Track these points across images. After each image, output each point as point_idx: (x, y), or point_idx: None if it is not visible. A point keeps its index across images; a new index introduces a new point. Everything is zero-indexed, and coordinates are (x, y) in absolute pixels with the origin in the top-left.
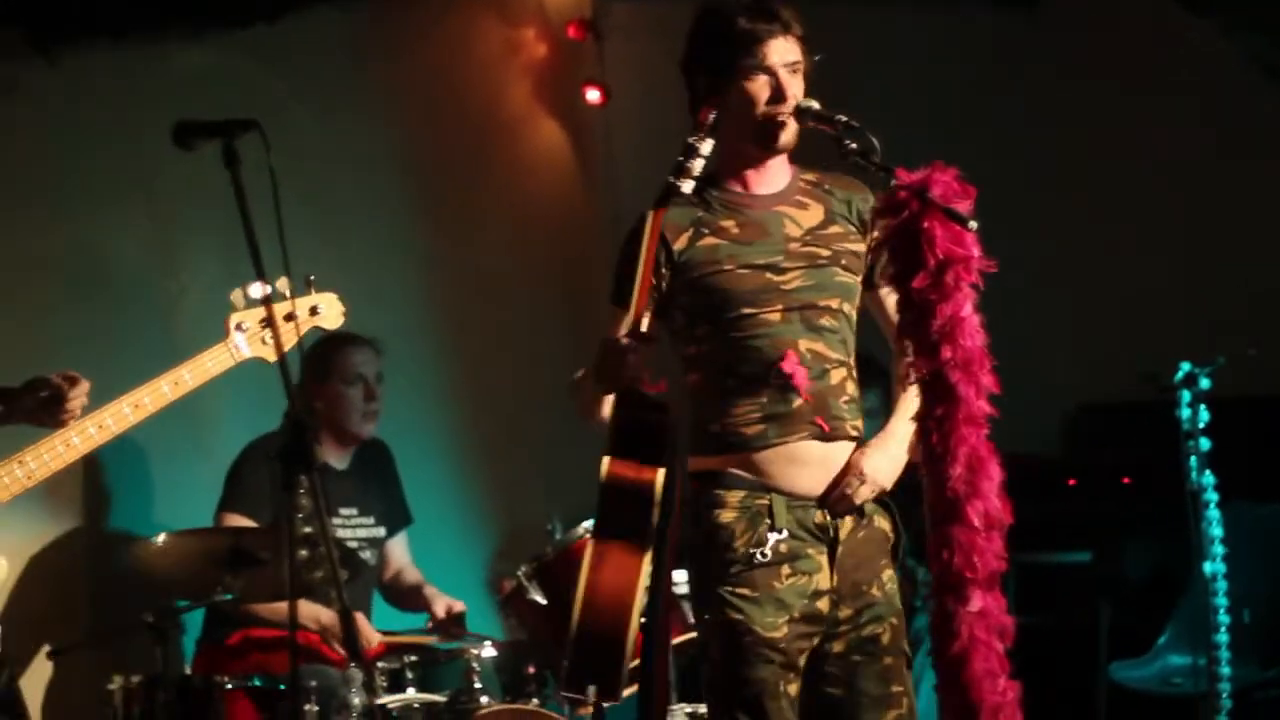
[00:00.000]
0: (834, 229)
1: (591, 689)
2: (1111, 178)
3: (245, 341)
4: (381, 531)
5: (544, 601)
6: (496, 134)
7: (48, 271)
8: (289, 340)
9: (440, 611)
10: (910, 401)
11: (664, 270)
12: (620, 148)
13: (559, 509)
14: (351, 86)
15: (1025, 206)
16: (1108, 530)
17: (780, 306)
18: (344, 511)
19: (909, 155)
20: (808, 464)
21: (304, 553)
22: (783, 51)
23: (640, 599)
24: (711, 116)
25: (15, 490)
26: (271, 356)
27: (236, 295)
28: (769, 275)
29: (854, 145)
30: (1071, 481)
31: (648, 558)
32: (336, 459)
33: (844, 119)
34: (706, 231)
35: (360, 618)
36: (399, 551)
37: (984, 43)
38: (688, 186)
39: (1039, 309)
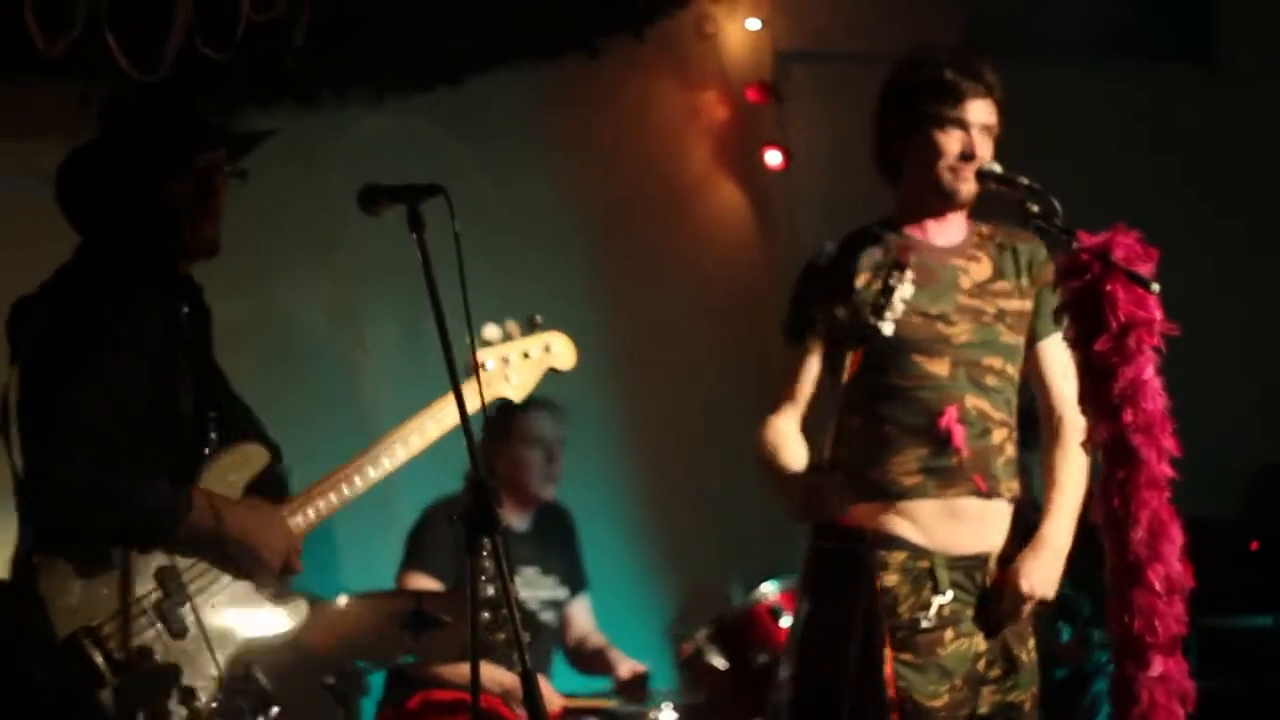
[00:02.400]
0: (1000, 284)
1: None
2: None
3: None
4: (563, 593)
5: (724, 665)
6: (677, 197)
7: (239, 336)
8: (533, 379)
9: (624, 673)
10: (1068, 499)
11: (841, 310)
12: (801, 210)
13: (739, 570)
14: (531, 149)
15: (1208, 267)
16: None
17: (949, 360)
18: (525, 571)
19: (1089, 217)
20: (965, 520)
21: (486, 615)
22: (981, 112)
23: None
24: (912, 258)
25: (305, 531)
26: (516, 396)
27: (489, 331)
28: (939, 326)
29: (1036, 208)
30: (1254, 545)
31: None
32: (517, 520)
33: (1025, 182)
34: (885, 271)
35: (541, 680)
36: (582, 616)
37: (1169, 101)
38: (888, 329)
39: (1222, 369)
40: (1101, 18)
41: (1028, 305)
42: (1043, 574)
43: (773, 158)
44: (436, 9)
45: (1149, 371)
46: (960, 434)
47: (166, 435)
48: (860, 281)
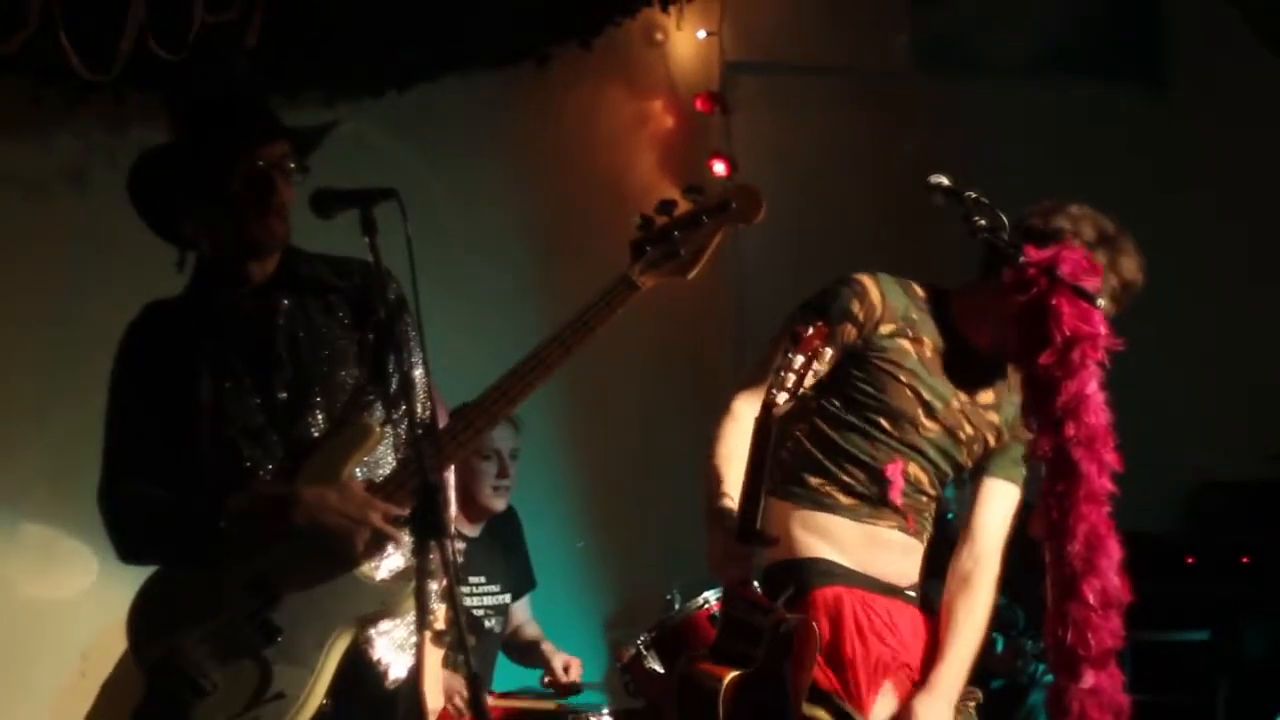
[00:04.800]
0: (990, 417)
1: None
2: (1239, 256)
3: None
4: (507, 599)
5: (662, 670)
6: (623, 204)
7: None
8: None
9: (558, 667)
10: (966, 648)
11: (855, 331)
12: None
13: (679, 579)
14: (480, 156)
15: (1150, 284)
16: (1226, 609)
17: (913, 443)
18: (472, 580)
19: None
20: (887, 549)
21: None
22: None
23: None
24: (812, 335)
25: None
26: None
27: None
28: (921, 413)
29: (983, 222)
30: (1190, 560)
31: None
32: (468, 528)
33: (974, 195)
34: (910, 335)
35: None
36: (520, 611)
37: (1114, 118)
38: (782, 399)
39: (1161, 386)
40: (1047, 34)
41: (994, 443)
42: (941, 711)
43: (718, 168)
44: (388, 15)
45: (1092, 386)
46: (898, 488)
47: (205, 453)
48: (886, 326)
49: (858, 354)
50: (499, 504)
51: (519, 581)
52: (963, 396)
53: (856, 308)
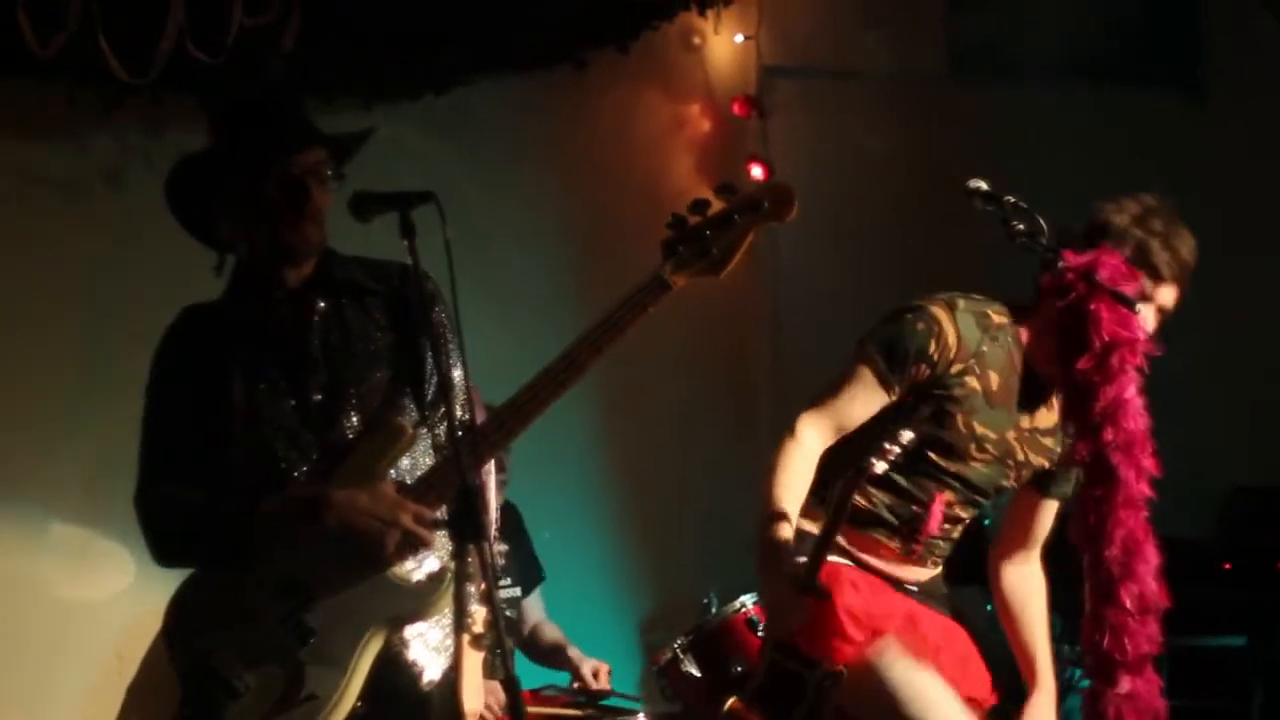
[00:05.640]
0: (1046, 443)
1: None
2: (1277, 263)
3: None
4: (517, 592)
5: (699, 674)
6: (659, 208)
7: None
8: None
9: (587, 673)
10: (1045, 637)
11: (928, 372)
12: (783, 226)
13: (716, 582)
14: (517, 159)
15: (1190, 291)
16: (1263, 614)
17: (957, 474)
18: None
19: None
20: (900, 564)
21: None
22: (1168, 295)
23: None
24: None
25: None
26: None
27: None
28: (973, 447)
29: (1022, 226)
30: (1226, 565)
31: None
32: None
33: (1012, 200)
34: (978, 371)
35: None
36: (534, 607)
37: (1150, 125)
38: (880, 468)
39: (1197, 392)
40: (1083, 41)
41: (1044, 465)
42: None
43: (756, 172)
44: (426, 19)
45: (1131, 391)
46: (936, 521)
47: (241, 456)
48: (959, 362)
49: (924, 390)
50: (498, 499)
51: (526, 574)
52: (1024, 423)
53: (933, 348)
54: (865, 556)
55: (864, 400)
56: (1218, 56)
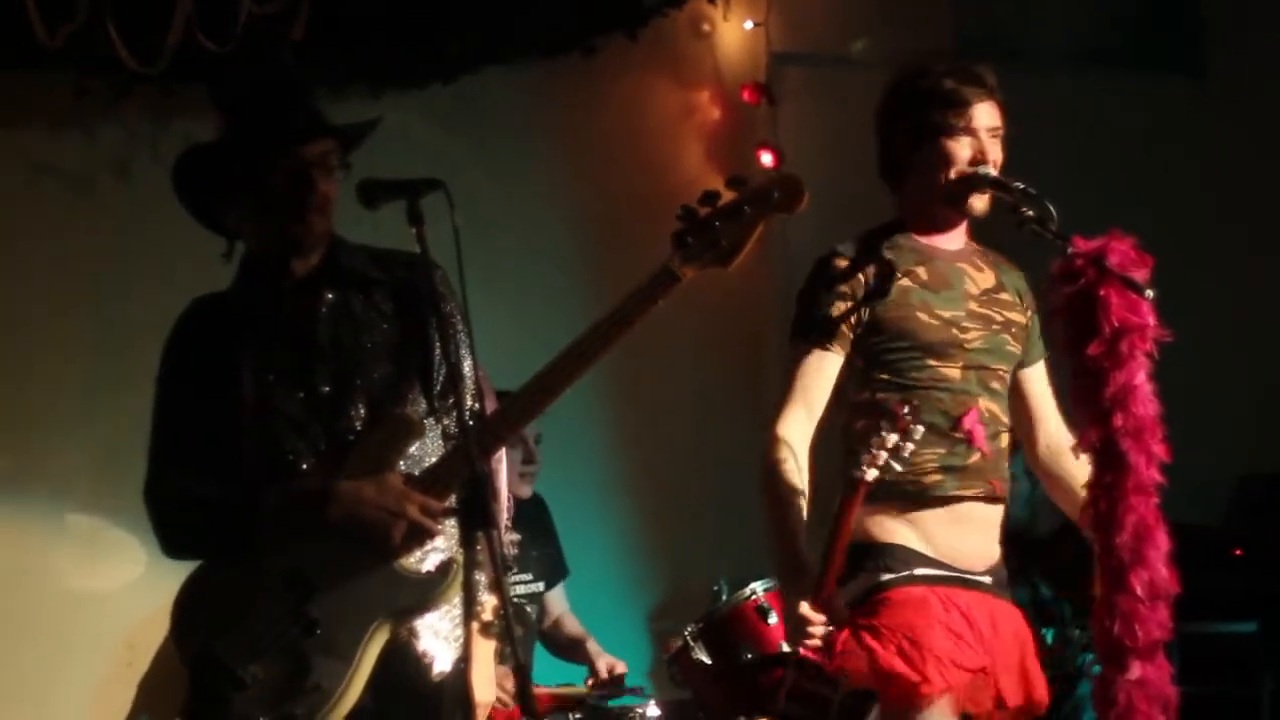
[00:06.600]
0: (1004, 296)
1: None
2: None
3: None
4: (540, 587)
5: (709, 662)
6: (669, 196)
7: None
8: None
9: (603, 669)
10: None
11: (849, 302)
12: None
13: (726, 570)
14: (526, 147)
15: (1197, 277)
16: (1273, 601)
17: (961, 363)
18: None
19: (1081, 223)
20: (970, 527)
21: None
22: (987, 116)
23: None
24: (907, 414)
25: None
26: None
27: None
28: (954, 330)
29: (1031, 213)
30: (1237, 551)
31: None
32: None
33: (1021, 186)
34: (899, 273)
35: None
36: (557, 601)
37: (1155, 111)
38: (871, 475)
39: (1209, 377)
40: (1092, 27)
41: (1025, 320)
42: None
43: (766, 159)
44: (433, 7)
45: (1140, 377)
46: (981, 435)
47: (249, 447)
48: (915, 276)
49: (870, 327)
50: (525, 490)
51: (551, 569)
52: (971, 290)
53: (839, 284)
54: (955, 534)
55: (815, 373)
56: (1222, 41)
